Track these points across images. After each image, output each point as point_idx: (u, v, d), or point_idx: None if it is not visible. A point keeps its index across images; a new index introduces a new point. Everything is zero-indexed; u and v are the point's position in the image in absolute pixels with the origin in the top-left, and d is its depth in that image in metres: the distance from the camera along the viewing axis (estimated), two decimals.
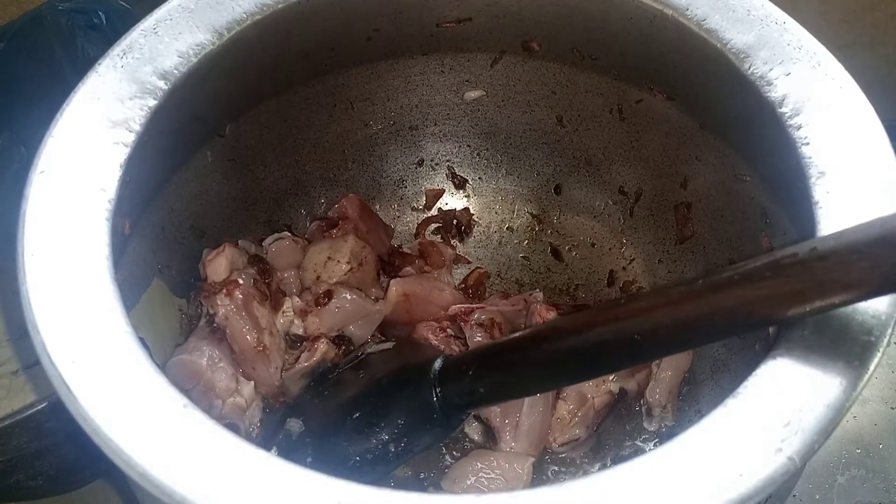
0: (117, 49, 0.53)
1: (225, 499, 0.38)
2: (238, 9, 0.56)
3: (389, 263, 0.73)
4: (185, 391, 0.57)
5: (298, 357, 0.64)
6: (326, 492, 0.38)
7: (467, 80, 0.72)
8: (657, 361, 0.66)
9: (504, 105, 0.73)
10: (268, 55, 0.60)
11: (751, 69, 0.53)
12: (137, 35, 0.54)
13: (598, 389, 0.64)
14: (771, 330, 0.52)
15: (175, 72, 0.53)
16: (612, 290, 0.74)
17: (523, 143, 0.75)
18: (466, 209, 0.78)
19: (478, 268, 0.76)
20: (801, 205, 0.49)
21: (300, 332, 0.65)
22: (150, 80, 0.52)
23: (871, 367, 0.41)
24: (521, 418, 0.63)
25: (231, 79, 0.58)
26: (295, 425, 0.60)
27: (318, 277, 0.67)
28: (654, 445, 0.65)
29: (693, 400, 0.66)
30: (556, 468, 0.64)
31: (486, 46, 0.69)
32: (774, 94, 0.52)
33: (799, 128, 0.50)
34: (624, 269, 0.74)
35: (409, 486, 0.63)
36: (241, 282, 0.62)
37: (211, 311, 0.61)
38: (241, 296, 0.61)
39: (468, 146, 0.77)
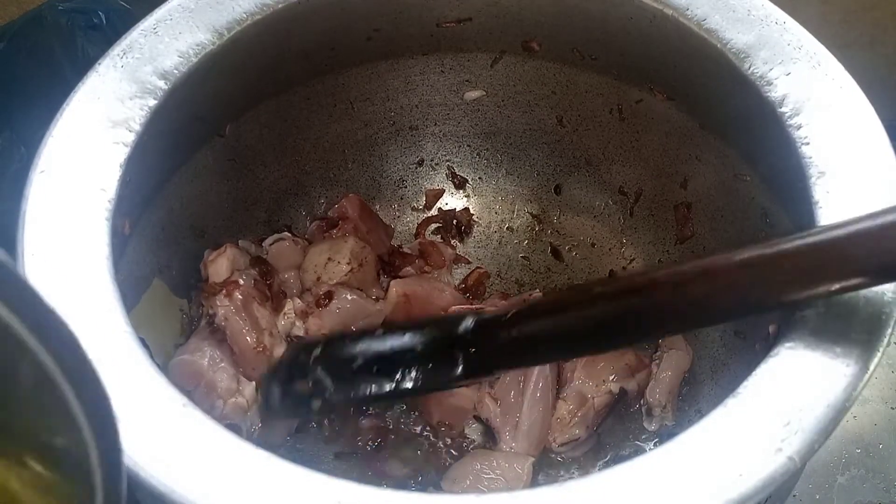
0: (117, 49, 0.53)
1: (225, 499, 0.38)
2: (238, 9, 0.56)
3: (389, 263, 0.73)
4: (187, 392, 0.57)
5: None
6: (326, 492, 0.38)
7: (467, 80, 0.72)
8: (657, 361, 0.66)
9: (504, 105, 0.73)
10: (268, 55, 0.60)
11: (751, 69, 0.53)
12: (137, 35, 0.54)
13: (598, 389, 0.64)
14: (771, 329, 0.52)
15: (175, 72, 0.53)
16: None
17: (523, 143, 0.75)
18: (466, 209, 0.78)
19: (478, 268, 0.76)
20: (801, 205, 0.49)
21: (301, 333, 0.65)
22: (150, 80, 0.52)
23: (871, 367, 0.41)
24: (521, 418, 0.63)
25: (231, 79, 0.58)
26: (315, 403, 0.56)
27: (318, 278, 0.67)
28: (654, 445, 0.65)
29: (693, 400, 0.66)
30: (556, 468, 0.64)
31: (486, 46, 0.69)
32: (774, 94, 0.52)
33: (799, 128, 0.50)
34: (624, 269, 0.74)
35: (409, 486, 0.63)
36: (241, 282, 0.62)
37: (211, 312, 0.61)
38: (240, 296, 0.61)
39: (468, 146, 0.77)
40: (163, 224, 0.61)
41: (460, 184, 0.78)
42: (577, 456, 0.65)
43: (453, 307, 0.68)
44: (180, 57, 0.54)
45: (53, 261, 0.44)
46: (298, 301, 0.66)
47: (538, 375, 0.63)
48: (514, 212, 0.78)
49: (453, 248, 0.77)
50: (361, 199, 0.74)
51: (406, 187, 0.78)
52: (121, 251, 0.53)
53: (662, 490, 0.38)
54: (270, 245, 0.68)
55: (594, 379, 0.65)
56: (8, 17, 0.82)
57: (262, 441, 0.62)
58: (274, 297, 0.66)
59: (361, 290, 0.68)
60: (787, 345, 0.42)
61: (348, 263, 0.68)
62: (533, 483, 0.61)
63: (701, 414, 0.63)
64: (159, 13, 0.55)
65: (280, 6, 0.57)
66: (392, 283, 0.68)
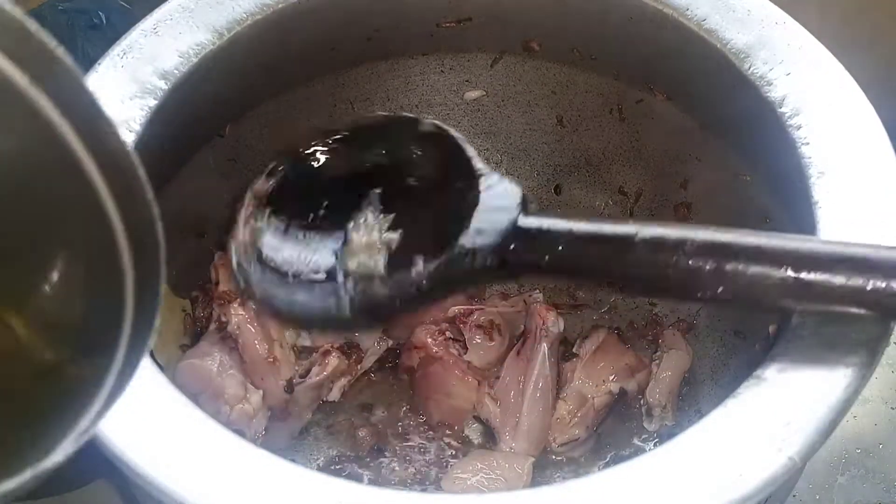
0: (117, 49, 0.53)
1: (225, 499, 0.38)
2: (238, 9, 0.56)
3: None
4: (194, 395, 0.57)
5: (309, 370, 0.64)
6: (327, 492, 0.38)
7: (467, 80, 0.72)
8: (657, 361, 0.66)
9: (504, 105, 0.73)
10: (268, 55, 0.60)
11: (751, 69, 0.53)
12: (137, 35, 0.54)
13: (598, 389, 0.64)
14: (771, 329, 0.52)
15: (175, 72, 0.53)
16: (611, 289, 0.74)
17: (523, 143, 0.75)
18: None
19: None
20: (801, 205, 0.49)
21: (307, 343, 0.65)
22: (150, 80, 0.52)
23: (872, 367, 0.41)
24: (520, 418, 0.63)
25: (231, 79, 0.58)
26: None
27: None
28: (654, 445, 0.65)
29: (693, 400, 0.66)
30: (556, 468, 0.64)
31: (486, 46, 0.69)
32: (774, 94, 0.52)
33: (799, 128, 0.50)
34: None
35: (409, 486, 0.63)
36: None
37: (224, 319, 0.61)
38: (254, 306, 0.61)
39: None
40: (163, 224, 0.60)
41: None
42: (577, 456, 0.65)
43: (453, 307, 0.68)
44: (180, 57, 0.54)
45: None
46: None
47: (538, 375, 0.63)
48: None
49: None
50: None
51: None
52: None
53: (662, 490, 0.38)
54: None
55: (594, 379, 0.65)
56: None
57: (266, 447, 0.62)
58: None
59: None
60: (787, 345, 0.42)
61: None
62: (533, 483, 0.61)
63: (701, 414, 0.63)
64: (159, 13, 0.55)
65: (280, 6, 0.57)
66: None
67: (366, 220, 0.44)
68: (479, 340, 0.66)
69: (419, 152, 0.46)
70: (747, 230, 0.40)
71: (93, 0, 0.80)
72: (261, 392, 0.62)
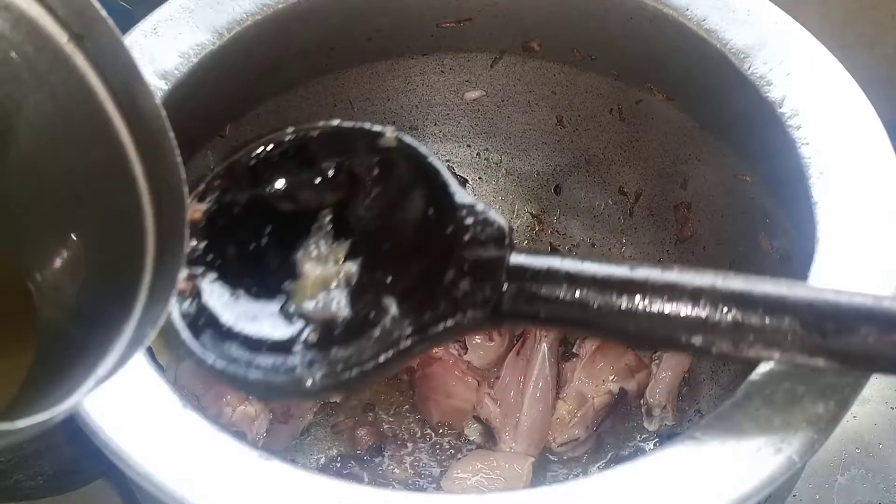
0: None
1: (225, 499, 0.38)
2: (238, 9, 0.56)
3: None
4: (196, 396, 0.57)
5: None
6: (327, 492, 0.38)
7: (467, 80, 0.72)
8: (657, 361, 0.66)
9: (504, 105, 0.73)
10: (268, 55, 0.60)
11: (751, 69, 0.53)
12: (137, 35, 0.54)
13: (598, 389, 0.64)
14: None
15: (175, 72, 0.53)
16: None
17: (523, 143, 0.75)
18: None
19: None
20: (801, 205, 0.49)
21: None
22: (150, 81, 0.52)
23: None
24: (520, 418, 0.63)
25: (231, 79, 0.58)
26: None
27: None
28: (654, 445, 0.65)
29: (693, 400, 0.66)
30: (556, 468, 0.64)
31: (486, 46, 0.69)
32: (774, 94, 0.52)
33: (799, 128, 0.50)
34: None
35: (409, 486, 0.63)
36: None
37: None
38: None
39: (468, 146, 0.77)
40: None
41: (460, 184, 0.78)
42: (577, 456, 0.65)
43: None
44: (180, 57, 0.54)
45: None
46: None
47: (538, 375, 0.63)
48: (514, 212, 0.78)
49: None
50: None
51: None
52: None
53: (662, 490, 0.38)
54: None
55: (594, 379, 0.65)
56: None
57: (266, 448, 0.62)
58: None
59: None
60: None
61: None
62: (533, 483, 0.61)
63: (701, 414, 0.64)
64: (159, 13, 0.55)
65: (280, 6, 0.57)
66: None
67: (317, 249, 0.37)
68: (478, 340, 0.66)
69: (379, 171, 0.39)
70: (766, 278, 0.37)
71: None
72: None
